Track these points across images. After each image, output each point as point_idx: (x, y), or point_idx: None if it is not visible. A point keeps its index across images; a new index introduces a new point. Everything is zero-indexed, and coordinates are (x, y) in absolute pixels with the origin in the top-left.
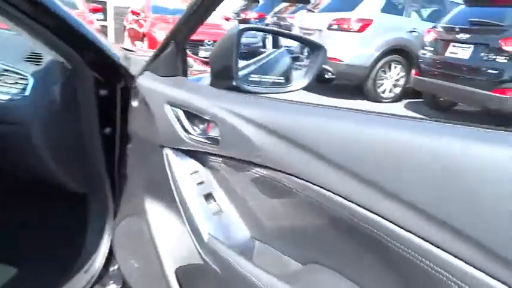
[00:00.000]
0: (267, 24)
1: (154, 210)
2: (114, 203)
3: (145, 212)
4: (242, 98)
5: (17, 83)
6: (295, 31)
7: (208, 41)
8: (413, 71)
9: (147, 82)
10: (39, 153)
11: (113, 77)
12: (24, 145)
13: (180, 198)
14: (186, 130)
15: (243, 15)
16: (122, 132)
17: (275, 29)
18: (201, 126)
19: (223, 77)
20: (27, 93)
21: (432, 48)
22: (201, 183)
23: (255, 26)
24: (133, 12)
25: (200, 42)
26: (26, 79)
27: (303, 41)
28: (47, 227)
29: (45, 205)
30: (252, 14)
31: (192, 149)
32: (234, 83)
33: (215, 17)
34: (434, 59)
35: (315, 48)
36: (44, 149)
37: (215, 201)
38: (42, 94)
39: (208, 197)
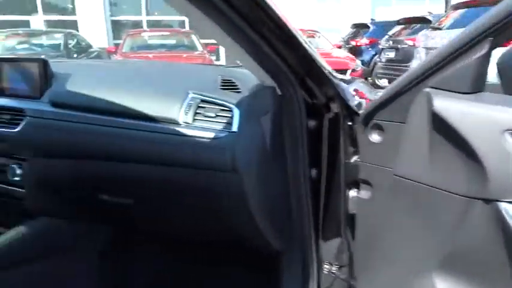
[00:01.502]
0: (381, 50)
1: None
2: (318, 267)
3: None
4: None
5: (218, 115)
6: (421, 53)
7: None
8: None
9: (450, 104)
10: (248, 207)
11: (324, 105)
12: (234, 197)
13: None
14: None
15: (353, 43)
16: (329, 175)
17: None
18: None
19: None
20: (234, 128)
21: None
22: None
23: None
24: None
25: None
26: (230, 111)
27: None
28: None
29: (232, 268)
30: (362, 40)
31: None
32: None
33: (327, 46)
34: None
35: None
36: (255, 201)
37: None
38: (252, 129)
39: None
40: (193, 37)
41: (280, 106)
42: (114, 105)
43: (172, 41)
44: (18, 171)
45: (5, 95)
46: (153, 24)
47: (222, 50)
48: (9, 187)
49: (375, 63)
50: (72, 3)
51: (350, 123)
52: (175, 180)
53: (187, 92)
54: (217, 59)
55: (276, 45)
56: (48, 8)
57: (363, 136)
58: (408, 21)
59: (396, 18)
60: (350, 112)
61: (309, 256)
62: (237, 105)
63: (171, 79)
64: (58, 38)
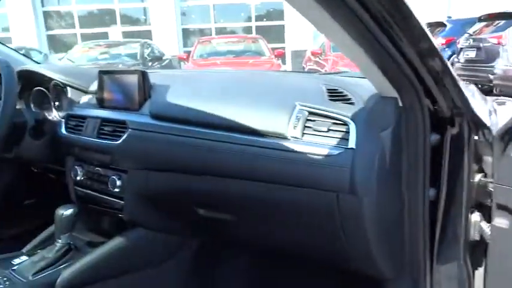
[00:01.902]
0: (460, 49)
1: None
2: None
3: None
4: None
5: (330, 130)
6: (509, 52)
7: None
8: None
9: None
10: (364, 230)
11: (449, 117)
12: (348, 219)
13: None
14: None
15: None
16: (450, 196)
17: None
18: None
19: None
20: (351, 144)
21: None
22: None
23: None
24: (314, 53)
25: None
26: (345, 125)
27: None
28: None
29: None
30: (438, 40)
31: None
32: None
33: None
34: None
35: None
36: (371, 224)
37: None
38: (372, 146)
39: None
40: (261, 42)
41: (401, 119)
42: (214, 117)
43: (240, 47)
44: (118, 183)
45: (106, 107)
46: (219, 31)
47: (288, 55)
48: (109, 198)
49: (453, 64)
50: (146, 14)
51: (476, 137)
52: (280, 198)
53: (294, 104)
54: (283, 62)
55: (404, 48)
56: (124, 20)
57: (500, 153)
58: (491, 17)
59: (476, 15)
60: (478, 125)
61: (420, 285)
62: (353, 118)
63: (272, 89)
64: (135, 48)
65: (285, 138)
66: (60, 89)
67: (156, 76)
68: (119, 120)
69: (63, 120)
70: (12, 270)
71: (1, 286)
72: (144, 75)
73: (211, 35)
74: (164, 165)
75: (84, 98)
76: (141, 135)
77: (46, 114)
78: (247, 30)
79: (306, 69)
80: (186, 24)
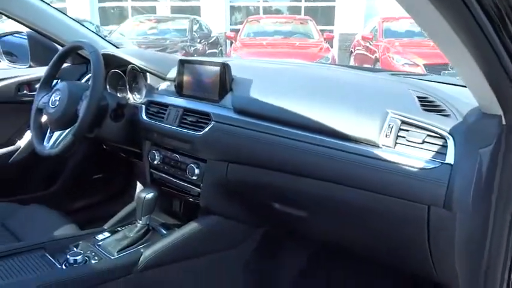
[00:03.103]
0: None
1: None
2: None
3: None
4: None
5: (425, 142)
6: None
7: None
8: None
9: None
10: (452, 245)
11: None
12: (437, 233)
13: None
14: None
15: None
16: None
17: None
18: None
19: None
20: (449, 160)
21: None
22: None
23: None
24: (365, 38)
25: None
26: (442, 138)
27: None
28: None
29: None
30: None
31: None
32: None
33: None
34: None
35: None
36: (460, 241)
37: None
38: (471, 164)
39: None
40: (310, 24)
41: (501, 137)
42: (300, 117)
43: (288, 28)
44: (196, 171)
45: (184, 96)
46: (266, 11)
47: (336, 39)
48: (186, 184)
49: None
50: None
51: None
52: (364, 203)
53: (386, 111)
54: (331, 45)
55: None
56: None
57: None
58: None
59: None
60: None
61: None
62: (452, 133)
63: (360, 91)
64: (184, 24)
65: (376, 146)
66: (136, 73)
67: (235, 67)
68: (203, 111)
69: (143, 105)
70: (98, 245)
71: (91, 260)
72: (226, 68)
73: (259, 14)
74: (245, 159)
75: (163, 85)
76: (225, 128)
77: (126, 98)
78: (296, 10)
79: (354, 54)
80: (234, 1)
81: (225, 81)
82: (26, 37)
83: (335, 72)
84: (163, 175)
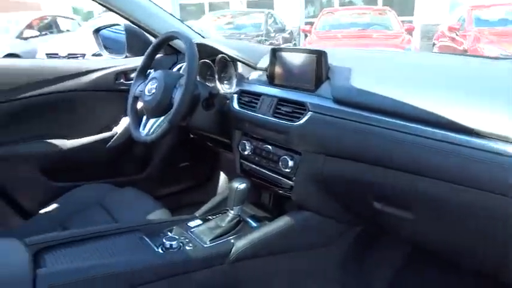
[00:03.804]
0: None
1: None
2: None
3: None
4: None
5: None
6: None
7: None
8: None
9: None
10: None
11: None
12: None
13: None
14: None
15: None
16: None
17: None
18: None
19: None
20: None
21: None
22: None
23: None
24: (451, 28)
25: None
26: None
27: None
28: None
29: None
30: None
31: None
32: None
33: None
34: None
35: None
36: None
37: None
38: None
39: None
40: (389, 14)
41: None
42: (408, 107)
43: (366, 19)
44: (290, 163)
45: (276, 85)
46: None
47: (417, 30)
48: (278, 176)
49: None
50: None
51: None
52: (488, 208)
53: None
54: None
55: None
56: None
57: None
58: None
59: None
60: None
61: None
62: None
63: (478, 80)
64: (259, 18)
65: (510, 142)
66: (226, 63)
67: (330, 55)
68: (298, 101)
69: (235, 95)
70: (191, 232)
71: (186, 247)
72: (323, 56)
73: (336, 6)
74: (344, 152)
75: (253, 74)
76: (323, 119)
77: (218, 87)
78: (371, 1)
79: (437, 46)
80: None
81: (321, 70)
82: (121, 30)
83: (444, 60)
84: (254, 166)
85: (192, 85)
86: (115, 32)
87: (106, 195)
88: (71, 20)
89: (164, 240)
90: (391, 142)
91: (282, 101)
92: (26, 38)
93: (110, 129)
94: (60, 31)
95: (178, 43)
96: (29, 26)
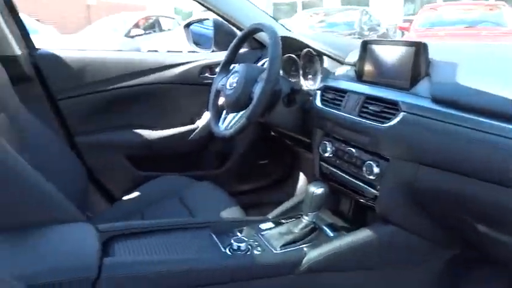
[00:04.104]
0: None
1: None
2: None
3: None
4: None
5: None
6: None
7: None
8: None
9: None
10: None
11: None
12: None
13: None
14: None
15: None
16: None
17: None
18: None
19: None
20: None
21: None
22: None
23: None
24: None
25: None
26: None
27: None
28: None
29: None
30: None
31: None
32: None
33: None
34: None
35: None
36: None
37: None
38: None
39: None
40: (504, 10)
41: None
42: None
43: (473, 15)
44: (376, 170)
45: (366, 82)
46: None
47: None
48: (360, 183)
49: None
50: None
51: None
52: None
53: None
54: None
55: None
56: None
57: None
58: None
59: None
60: None
61: None
62: None
63: None
64: (353, 16)
65: None
66: (311, 58)
67: (431, 49)
68: (389, 99)
69: (318, 91)
70: (261, 235)
71: (254, 250)
72: (422, 48)
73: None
74: (443, 161)
75: (340, 70)
76: (418, 121)
77: (300, 83)
78: None
79: None
80: None
81: (419, 65)
82: (209, 25)
83: None
84: (334, 170)
85: (273, 80)
86: (204, 27)
87: (184, 188)
88: (172, 20)
89: (232, 241)
90: (504, 153)
91: (370, 99)
92: (132, 37)
93: (193, 123)
94: (161, 30)
95: (264, 37)
96: (136, 26)
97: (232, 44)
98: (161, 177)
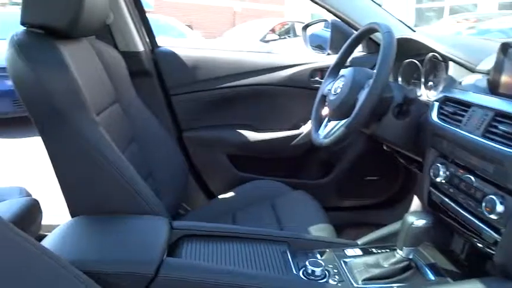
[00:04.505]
0: None
1: None
2: None
3: None
4: None
5: None
6: None
7: None
8: None
9: None
10: None
11: None
12: None
13: None
14: None
15: None
16: None
17: None
18: None
19: None
20: None
21: None
22: None
23: None
24: None
25: None
26: None
27: None
28: None
29: None
30: None
31: None
32: None
33: None
34: None
35: None
36: None
37: None
38: None
39: None
40: None
41: None
42: None
43: None
44: (499, 208)
45: (501, 95)
46: None
47: None
48: (478, 222)
49: None
50: None
51: None
52: None
53: None
54: None
55: None
56: None
57: None
58: None
59: None
60: None
61: None
62: None
63: None
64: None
65: None
66: (438, 64)
67: None
68: None
69: (436, 103)
70: (344, 261)
71: (330, 279)
72: None
73: None
74: None
75: (469, 79)
76: None
77: (416, 92)
78: None
79: None
80: None
81: None
82: (325, 27)
83: None
84: (446, 199)
85: (380, 85)
86: (323, 30)
87: (279, 194)
88: None
89: (307, 263)
90: None
91: (500, 115)
92: (267, 41)
93: (298, 128)
94: (296, 35)
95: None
96: (272, 31)
97: (344, 46)
98: (258, 180)
